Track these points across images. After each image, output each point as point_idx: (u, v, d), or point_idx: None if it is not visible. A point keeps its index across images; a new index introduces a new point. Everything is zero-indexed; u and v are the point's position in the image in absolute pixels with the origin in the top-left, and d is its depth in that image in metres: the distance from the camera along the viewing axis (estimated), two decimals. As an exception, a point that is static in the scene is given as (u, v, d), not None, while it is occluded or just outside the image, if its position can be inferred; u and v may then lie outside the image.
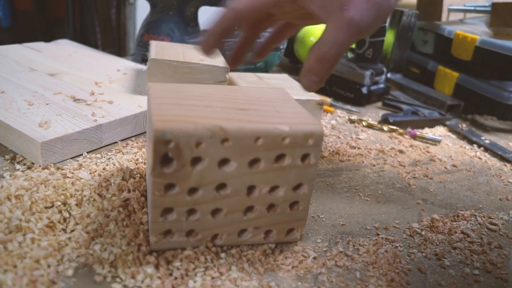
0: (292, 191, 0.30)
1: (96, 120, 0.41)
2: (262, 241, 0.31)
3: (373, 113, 0.64)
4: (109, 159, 0.40)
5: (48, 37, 0.76)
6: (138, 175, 0.36)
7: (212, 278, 0.28)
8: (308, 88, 0.34)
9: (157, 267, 0.28)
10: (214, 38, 0.36)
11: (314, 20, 0.37)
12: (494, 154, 0.55)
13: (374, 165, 0.48)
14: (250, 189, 0.29)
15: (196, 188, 0.27)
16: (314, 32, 0.78)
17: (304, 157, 0.29)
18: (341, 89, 0.67)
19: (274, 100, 0.32)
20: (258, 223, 0.30)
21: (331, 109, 0.63)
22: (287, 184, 0.29)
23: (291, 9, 0.35)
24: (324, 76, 0.34)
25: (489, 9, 0.69)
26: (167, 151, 0.25)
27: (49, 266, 0.26)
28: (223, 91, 0.32)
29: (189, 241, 0.29)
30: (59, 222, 0.30)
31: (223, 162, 0.27)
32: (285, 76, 0.54)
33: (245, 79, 0.51)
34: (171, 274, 0.27)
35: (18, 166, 0.37)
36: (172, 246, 0.29)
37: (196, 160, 0.27)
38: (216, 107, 0.29)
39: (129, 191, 0.33)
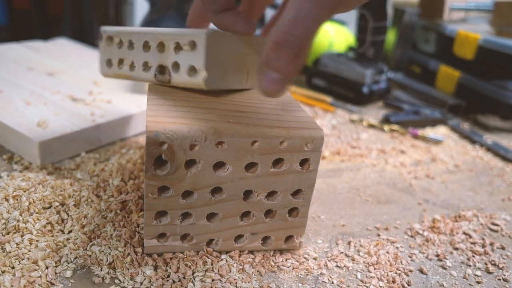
0: (290, 197, 0.29)
1: (94, 119, 0.41)
2: (260, 247, 0.31)
3: (374, 113, 0.64)
4: (107, 159, 0.40)
5: (46, 36, 0.75)
6: (137, 176, 0.36)
7: (212, 280, 0.27)
8: (266, 90, 0.24)
9: (156, 269, 0.28)
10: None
11: None
12: (496, 154, 0.54)
13: (375, 165, 0.47)
14: (247, 193, 0.28)
15: (191, 192, 0.27)
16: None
17: (303, 162, 0.28)
18: (341, 88, 0.67)
19: (276, 102, 0.31)
20: (255, 229, 0.30)
21: (332, 108, 0.62)
22: (285, 190, 0.29)
23: None
24: (288, 70, 0.24)
25: (491, 8, 0.68)
26: (160, 153, 0.25)
27: (47, 268, 0.26)
28: (224, 92, 0.32)
29: (183, 245, 0.29)
30: (57, 223, 0.30)
31: (218, 165, 0.27)
32: None
33: None
34: (169, 276, 0.27)
35: (15, 166, 0.37)
36: (166, 250, 0.29)
37: (190, 163, 0.26)
38: (215, 109, 0.28)
39: (127, 193, 0.33)
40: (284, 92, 0.25)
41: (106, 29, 0.32)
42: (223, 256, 0.29)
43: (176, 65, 0.28)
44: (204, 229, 0.29)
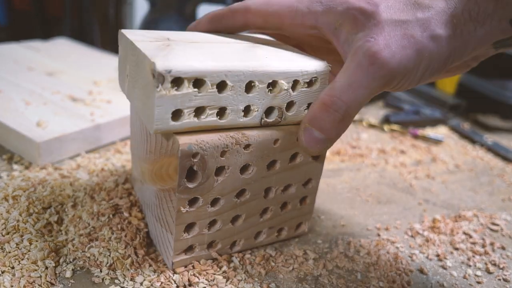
0: (302, 187, 0.30)
1: (94, 119, 0.41)
2: (275, 239, 0.31)
3: (374, 113, 0.64)
4: (107, 159, 0.40)
5: (46, 36, 0.75)
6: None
7: (216, 284, 0.27)
8: (308, 147, 0.26)
9: (156, 271, 0.27)
10: (205, 21, 0.29)
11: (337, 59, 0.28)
12: (496, 154, 0.54)
13: (375, 165, 0.47)
14: (267, 191, 0.29)
15: (218, 198, 0.27)
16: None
17: None
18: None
19: None
20: (272, 223, 0.30)
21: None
22: (298, 181, 0.29)
23: (309, 37, 0.28)
24: (331, 133, 0.25)
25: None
26: (192, 165, 0.24)
27: (47, 268, 0.26)
28: None
29: (210, 253, 0.28)
30: (56, 223, 0.30)
31: (244, 168, 0.27)
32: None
33: None
34: (173, 281, 0.27)
35: (15, 166, 0.37)
36: (193, 261, 0.28)
37: (219, 170, 0.26)
38: None
39: (121, 197, 0.32)
40: (324, 151, 0.26)
41: (169, 66, 0.21)
42: (231, 258, 0.29)
43: (290, 104, 0.26)
44: (229, 233, 0.28)
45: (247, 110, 0.25)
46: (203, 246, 0.28)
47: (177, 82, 0.22)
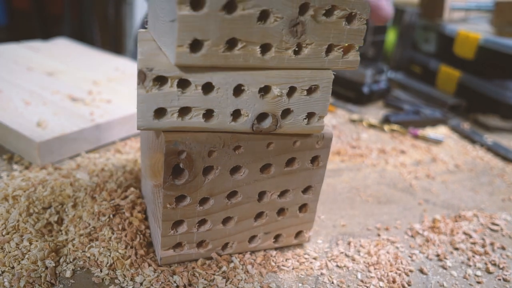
0: (301, 194, 0.29)
1: (94, 119, 0.41)
2: (272, 245, 0.31)
3: (374, 113, 0.64)
4: (107, 159, 0.40)
5: (46, 36, 0.75)
6: (134, 179, 0.36)
7: (217, 284, 0.27)
8: (388, 14, 0.39)
9: (155, 271, 0.27)
10: None
11: None
12: (496, 154, 0.54)
13: (375, 165, 0.47)
14: (261, 194, 0.28)
15: (207, 198, 0.27)
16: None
17: (314, 159, 0.28)
18: (341, 88, 0.67)
19: None
20: (268, 228, 0.30)
21: (332, 108, 0.62)
22: (296, 187, 0.29)
23: None
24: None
25: (491, 7, 0.68)
26: (178, 162, 0.24)
27: (47, 268, 0.26)
28: None
29: (200, 252, 0.28)
30: (56, 223, 0.30)
31: (235, 169, 0.26)
32: None
33: None
34: (173, 281, 0.27)
35: (15, 166, 0.37)
36: (183, 259, 0.28)
37: (208, 169, 0.26)
38: None
39: (124, 198, 0.32)
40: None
41: (151, 65, 0.22)
42: (231, 258, 0.29)
43: (287, 112, 0.25)
44: (220, 234, 0.28)
45: (236, 114, 0.24)
46: (192, 245, 0.28)
47: (161, 80, 0.22)
